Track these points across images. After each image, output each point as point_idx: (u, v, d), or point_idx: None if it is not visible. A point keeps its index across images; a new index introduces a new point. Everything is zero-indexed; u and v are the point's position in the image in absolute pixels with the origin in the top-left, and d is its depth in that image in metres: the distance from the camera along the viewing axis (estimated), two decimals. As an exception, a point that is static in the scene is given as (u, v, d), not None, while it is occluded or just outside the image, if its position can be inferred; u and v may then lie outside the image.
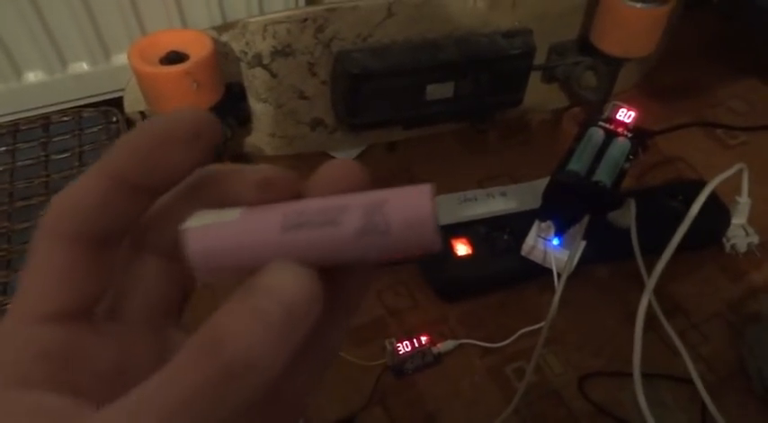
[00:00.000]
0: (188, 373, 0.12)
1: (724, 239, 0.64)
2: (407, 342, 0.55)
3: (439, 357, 0.55)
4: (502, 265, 0.60)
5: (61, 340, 0.15)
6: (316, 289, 0.14)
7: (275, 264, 0.14)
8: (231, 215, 0.15)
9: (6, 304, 0.47)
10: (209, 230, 0.14)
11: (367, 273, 0.17)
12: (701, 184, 0.55)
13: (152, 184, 0.15)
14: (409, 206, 0.14)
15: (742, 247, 0.63)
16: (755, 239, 0.63)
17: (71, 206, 0.15)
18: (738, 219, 0.63)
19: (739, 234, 0.63)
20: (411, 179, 0.73)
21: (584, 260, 0.57)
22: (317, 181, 0.16)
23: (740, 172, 0.59)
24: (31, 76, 0.62)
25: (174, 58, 0.54)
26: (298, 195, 0.15)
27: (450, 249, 0.60)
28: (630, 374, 0.48)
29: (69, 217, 0.15)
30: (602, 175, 0.51)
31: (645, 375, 0.48)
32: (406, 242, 0.14)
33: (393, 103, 0.68)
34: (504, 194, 0.70)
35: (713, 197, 0.60)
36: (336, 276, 0.16)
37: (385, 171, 0.74)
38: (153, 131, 0.15)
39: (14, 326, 0.15)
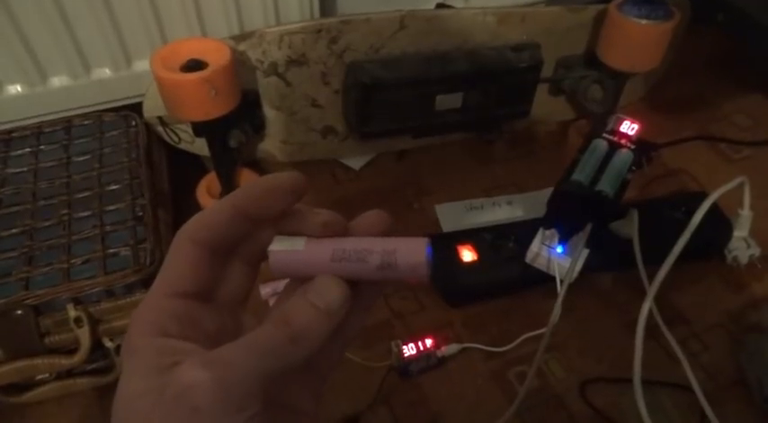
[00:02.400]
0: (269, 335, 0.20)
1: (726, 251, 0.65)
2: (413, 344, 0.56)
3: (443, 360, 0.57)
4: (506, 271, 0.62)
5: (185, 309, 0.21)
6: (346, 292, 0.21)
7: (323, 276, 0.22)
8: (299, 244, 0.22)
9: (29, 299, 0.49)
10: (285, 254, 0.22)
11: (378, 286, 0.25)
12: (703, 197, 0.56)
13: (259, 216, 0.22)
14: (411, 253, 0.21)
15: (743, 259, 0.64)
16: (757, 252, 0.64)
17: (206, 222, 0.22)
18: (740, 231, 0.64)
19: (741, 246, 0.64)
20: (419, 187, 0.74)
21: (588, 268, 0.58)
22: (359, 222, 0.23)
23: (742, 185, 0.60)
24: (56, 81, 0.64)
25: (194, 65, 0.56)
26: (346, 231, 0.23)
27: (456, 255, 0.61)
28: (631, 381, 0.49)
29: (203, 229, 0.22)
30: (605, 185, 0.52)
31: (645, 382, 0.49)
32: (406, 275, 0.22)
33: (403, 112, 0.70)
34: (509, 203, 0.72)
35: (715, 209, 0.61)
36: (358, 286, 0.23)
37: (394, 179, 0.75)
38: (268, 183, 0.22)
39: (156, 297, 0.22)
